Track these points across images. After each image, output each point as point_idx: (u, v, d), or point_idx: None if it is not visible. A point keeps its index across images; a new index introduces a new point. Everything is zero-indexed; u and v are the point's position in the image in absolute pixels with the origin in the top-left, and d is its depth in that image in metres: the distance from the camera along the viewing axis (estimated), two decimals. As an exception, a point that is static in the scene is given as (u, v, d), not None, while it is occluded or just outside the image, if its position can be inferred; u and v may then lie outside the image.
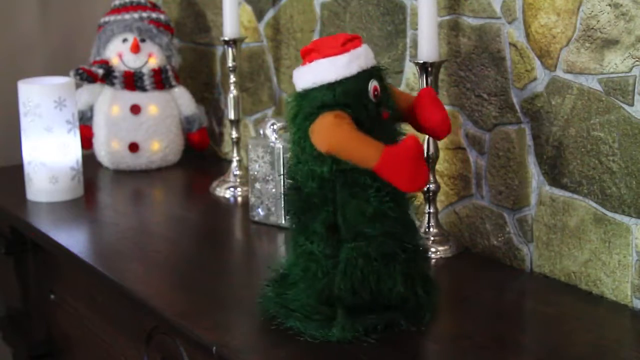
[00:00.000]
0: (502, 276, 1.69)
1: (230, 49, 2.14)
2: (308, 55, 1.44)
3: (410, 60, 1.83)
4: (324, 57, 1.42)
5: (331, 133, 1.37)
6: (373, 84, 1.42)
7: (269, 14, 2.23)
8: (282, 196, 1.49)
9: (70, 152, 2.14)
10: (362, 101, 1.41)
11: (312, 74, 1.42)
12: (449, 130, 1.52)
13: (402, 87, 1.87)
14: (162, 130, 2.36)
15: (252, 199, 1.96)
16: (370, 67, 1.43)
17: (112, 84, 2.36)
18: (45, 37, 2.60)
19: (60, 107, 2.10)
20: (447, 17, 1.77)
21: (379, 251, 1.40)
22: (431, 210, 1.77)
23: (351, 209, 1.40)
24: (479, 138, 1.75)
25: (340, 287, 1.40)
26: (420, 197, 1.76)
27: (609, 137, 1.52)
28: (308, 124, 1.40)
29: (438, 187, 1.77)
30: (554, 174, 1.63)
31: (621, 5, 1.48)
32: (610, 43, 1.50)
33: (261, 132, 1.93)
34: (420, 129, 1.52)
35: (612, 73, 1.51)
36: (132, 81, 2.35)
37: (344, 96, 1.40)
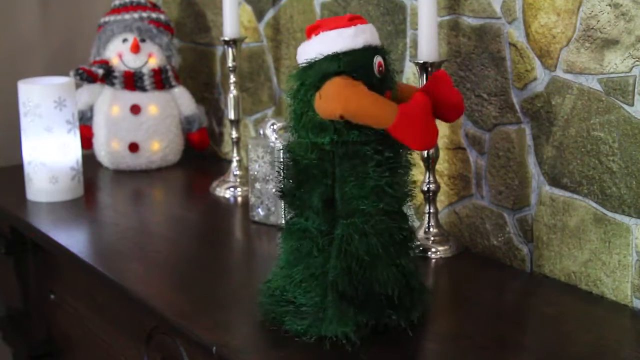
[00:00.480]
0: (502, 276, 1.69)
1: (230, 49, 2.14)
2: (314, 31, 1.44)
3: (410, 60, 1.83)
4: (330, 29, 1.42)
5: (345, 92, 1.36)
6: (378, 59, 1.42)
7: (269, 14, 2.23)
8: (278, 172, 1.46)
9: (70, 152, 2.14)
10: (367, 73, 1.40)
11: (318, 45, 1.41)
12: (463, 110, 1.52)
13: (402, 87, 1.87)
14: (162, 130, 2.36)
15: (252, 199, 1.96)
16: (376, 45, 1.43)
17: (112, 84, 2.36)
18: (45, 37, 2.60)
19: (60, 107, 2.10)
20: (447, 17, 1.77)
21: (376, 229, 1.39)
22: (431, 210, 1.77)
23: (350, 183, 1.39)
24: (479, 138, 1.75)
25: (334, 265, 1.39)
26: (420, 197, 1.77)
27: (609, 137, 1.52)
28: (312, 93, 1.39)
29: (438, 187, 1.77)
30: (554, 174, 1.63)
31: (621, 5, 1.48)
32: (610, 43, 1.50)
33: (261, 132, 1.93)
34: (437, 111, 1.50)
35: (612, 73, 1.51)
36: (132, 81, 2.35)
37: (349, 65, 1.39)
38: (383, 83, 1.42)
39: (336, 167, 1.40)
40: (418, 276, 1.46)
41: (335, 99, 1.36)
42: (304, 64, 1.42)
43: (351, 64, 1.39)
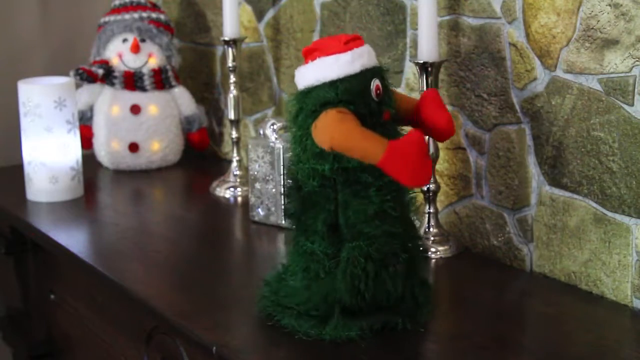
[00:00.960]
0: (502, 276, 1.69)
1: (230, 49, 2.14)
2: (310, 54, 1.44)
3: (410, 60, 1.83)
4: (326, 55, 1.42)
5: (335, 128, 1.37)
6: (375, 83, 1.42)
7: (269, 14, 2.23)
8: (282, 196, 1.48)
9: (70, 152, 2.14)
10: (364, 99, 1.40)
11: (314, 72, 1.42)
12: (454, 132, 1.52)
13: (402, 87, 1.87)
14: (162, 130, 2.36)
15: (252, 199, 1.96)
16: (373, 67, 1.43)
17: (112, 84, 2.36)
18: (45, 37, 2.60)
19: (60, 107, 2.10)
20: (447, 17, 1.77)
21: (381, 251, 1.40)
22: (431, 210, 1.77)
23: (352, 208, 1.40)
24: (479, 138, 1.75)
25: (341, 286, 1.40)
26: (420, 197, 1.77)
27: (609, 137, 1.52)
28: (310, 121, 1.40)
29: (438, 187, 1.77)
30: (554, 174, 1.63)
31: (621, 5, 1.48)
32: (610, 43, 1.50)
33: (261, 132, 1.93)
34: (424, 130, 1.52)
35: (612, 73, 1.51)
36: (132, 81, 2.35)
37: (346, 93, 1.39)
38: (381, 105, 1.43)
39: (338, 192, 1.41)
40: (425, 286, 1.48)
41: (326, 134, 1.38)
42: (302, 90, 1.42)
43: (349, 92, 1.40)
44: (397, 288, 1.42)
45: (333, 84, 1.40)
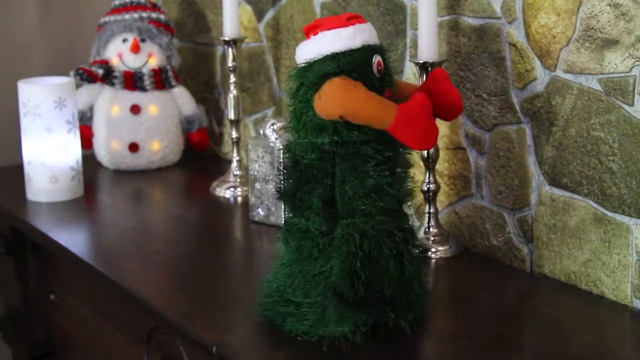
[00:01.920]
0: (502, 276, 1.69)
1: (230, 49, 2.14)
2: (312, 30, 1.44)
3: (410, 60, 1.83)
4: (328, 29, 1.42)
5: (343, 93, 1.36)
6: (377, 59, 1.42)
7: (269, 14, 2.23)
8: (278, 172, 1.46)
9: (70, 152, 2.14)
10: (366, 73, 1.40)
11: (316, 46, 1.41)
12: (462, 108, 1.52)
13: (402, 87, 1.87)
14: (162, 130, 2.36)
15: (252, 199, 1.96)
16: (374, 44, 1.43)
17: (112, 84, 2.36)
18: (45, 37, 2.60)
19: (60, 107, 2.10)
20: (447, 17, 1.77)
21: (377, 228, 1.39)
22: (431, 210, 1.77)
23: (350, 182, 1.39)
24: (479, 138, 1.75)
25: (336, 264, 1.39)
26: (420, 197, 1.77)
27: (609, 137, 1.52)
28: (312, 93, 1.39)
29: (438, 187, 1.77)
30: (554, 174, 1.63)
31: (621, 5, 1.48)
32: (610, 43, 1.50)
33: (261, 132, 1.93)
34: (436, 110, 1.50)
35: (612, 73, 1.51)
36: (132, 81, 2.35)
37: (348, 65, 1.39)
38: (382, 82, 1.42)
39: (336, 167, 1.40)
40: (419, 276, 1.46)
41: (335, 100, 1.36)
42: (303, 64, 1.42)
43: (350, 64, 1.39)
44: (390, 269, 1.40)
45: (335, 57, 1.40)
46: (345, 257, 1.38)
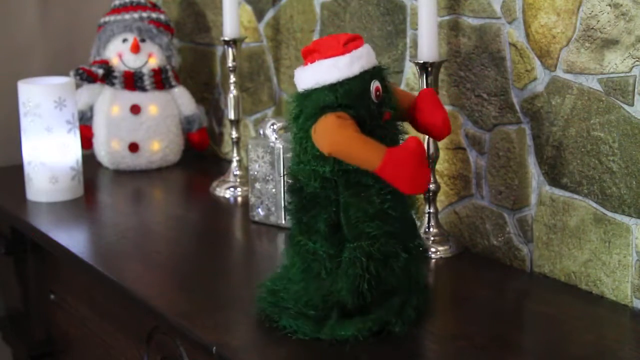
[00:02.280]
0: (502, 276, 1.69)
1: (230, 49, 2.14)
2: (310, 55, 1.44)
3: (410, 60, 1.83)
4: (325, 57, 1.42)
5: (333, 135, 1.37)
6: (375, 84, 1.42)
7: (269, 14, 2.23)
8: (283, 195, 1.48)
9: (70, 152, 2.14)
10: (364, 102, 1.40)
11: (313, 75, 1.42)
12: (449, 131, 1.52)
13: (402, 87, 1.87)
14: (162, 130, 2.36)
15: (252, 199, 1.96)
16: (372, 67, 1.43)
17: (112, 84, 2.36)
18: (45, 37, 2.60)
19: (60, 107, 2.10)
20: (447, 17, 1.77)
21: (382, 251, 1.40)
22: (431, 210, 1.77)
23: (353, 209, 1.40)
24: (479, 138, 1.75)
25: (343, 287, 1.40)
26: (420, 197, 1.77)
27: (609, 137, 1.52)
28: (310, 124, 1.40)
29: (438, 187, 1.77)
30: (554, 174, 1.63)
31: (621, 5, 1.48)
32: (610, 43, 1.50)
33: (261, 132, 1.93)
34: (420, 129, 1.52)
35: (612, 73, 1.51)
36: (132, 81, 2.35)
37: (346, 97, 1.39)
38: (381, 107, 1.43)
39: (339, 194, 1.41)
40: (422, 292, 1.48)
41: (325, 139, 1.38)
42: (302, 92, 1.42)
43: (348, 95, 1.39)
44: (397, 288, 1.42)
45: (332, 87, 1.40)
46: (353, 280, 1.40)
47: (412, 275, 1.45)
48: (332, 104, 1.39)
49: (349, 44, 1.43)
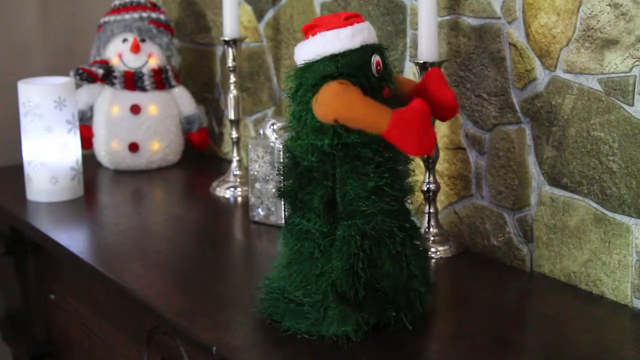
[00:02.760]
0: (502, 276, 1.69)
1: (230, 49, 2.14)
2: (310, 30, 1.44)
3: (410, 60, 1.83)
4: (327, 30, 1.42)
5: (338, 99, 1.36)
6: (376, 59, 1.42)
7: (269, 14, 2.23)
8: (279, 172, 1.46)
9: (70, 152, 2.14)
10: (365, 73, 1.40)
11: (315, 47, 1.41)
12: (457, 109, 1.51)
13: (402, 87, 1.87)
14: (162, 130, 2.36)
15: (252, 199, 1.96)
16: (373, 43, 1.43)
17: (112, 84, 2.36)
18: (45, 37, 2.60)
19: (60, 107, 2.10)
20: (447, 17, 1.77)
21: (377, 229, 1.39)
22: (431, 210, 1.77)
23: (350, 184, 1.39)
24: (479, 138, 1.75)
25: (337, 265, 1.39)
26: (420, 197, 1.77)
27: (609, 137, 1.52)
28: (310, 95, 1.39)
29: (438, 187, 1.77)
30: (554, 174, 1.63)
31: (621, 5, 1.48)
32: (610, 43, 1.50)
33: (261, 132, 1.93)
34: (430, 108, 1.50)
35: (612, 73, 1.51)
36: (132, 81, 2.35)
37: (347, 67, 1.39)
38: (382, 81, 1.42)
39: (336, 169, 1.41)
40: (422, 275, 1.46)
41: (330, 105, 1.36)
42: (302, 65, 1.42)
43: (349, 65, 1.39)
44: (391, 269, 1.41)
45: (333, 58, 1.40)
46: (347, 258, 1.39)
47: (409, 258, 1.43)
48: (333, 73, 1.39)
49: (350, 19, 1.43)
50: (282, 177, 1.46)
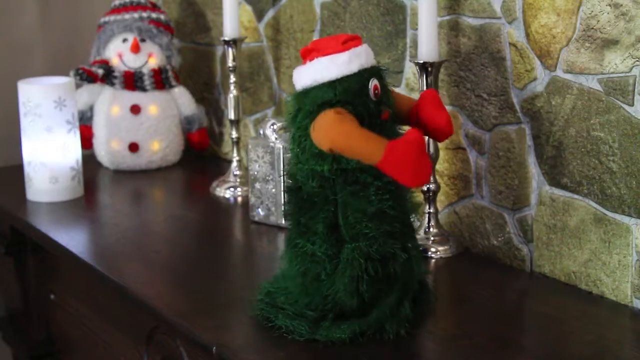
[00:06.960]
0: (502, 276, 1.69)
1: (230, 49, 2.14)
2: (308, 54, 1.44)
3: (410, 60, 1.83)
4: (324, 55, 1.42)
5: (333, 129, 1.36)
6: (374, 83, 1.42)
7: (269, 14, 2.23)
8: (284, 196, 1.47)
9: (70, 152, 2.14)
10: (362, 99, 1.40)
11: (312, 72, 1.42)
12: (452, 132, 1.52)
13: (402, 87, 1.87)
14: (162, 130, 2.36)
15: (252, 199, 1.96)
16: (371, 66, 1.43)
17: (112, 84, 2.36)
18: (45, 37, 2.60)
19: (60, 107, 2.10)
20: (447, 17, 1.77)
21: (380, 252, 1.40)
22: (431, 210, 1.77)
23: (352, 208, 1.40)
24: (479, 138, 1.75)
25: (341, 287, 1.40)
26: (420, 197, 1.77)
27: (609, 137, 1.52)
28: (308, 121, 1.39)
29: (438, 187, 1.77)
30: (554, 174, 1.63)
31: (621, 5, 1.48)
32: (610, 43, 1.50)
33: (261, 132, 1.93)
34: (423, 130, 1.52)
35: (612, 73, 1.51)
36: (132, 81, 2.35)
37: (344, 94, 1.39)
38: (380, 105, 1.42)
39: (337, 193, 1.41)
40: (423, 293, 1.48)
41: (325, 135, 1.37)
42: (300, 90, 1.42)
43: (347, 92, 1.39)
44: (394, 289, 1.42)
45: (331, 84, 1.40)
46: (350, 281, 1.39)
47: (413, 276, 1.45)
48: (331, 100, 1.39)
49: (348, 42, 1.43)
50: (286, 202, 1.47)
